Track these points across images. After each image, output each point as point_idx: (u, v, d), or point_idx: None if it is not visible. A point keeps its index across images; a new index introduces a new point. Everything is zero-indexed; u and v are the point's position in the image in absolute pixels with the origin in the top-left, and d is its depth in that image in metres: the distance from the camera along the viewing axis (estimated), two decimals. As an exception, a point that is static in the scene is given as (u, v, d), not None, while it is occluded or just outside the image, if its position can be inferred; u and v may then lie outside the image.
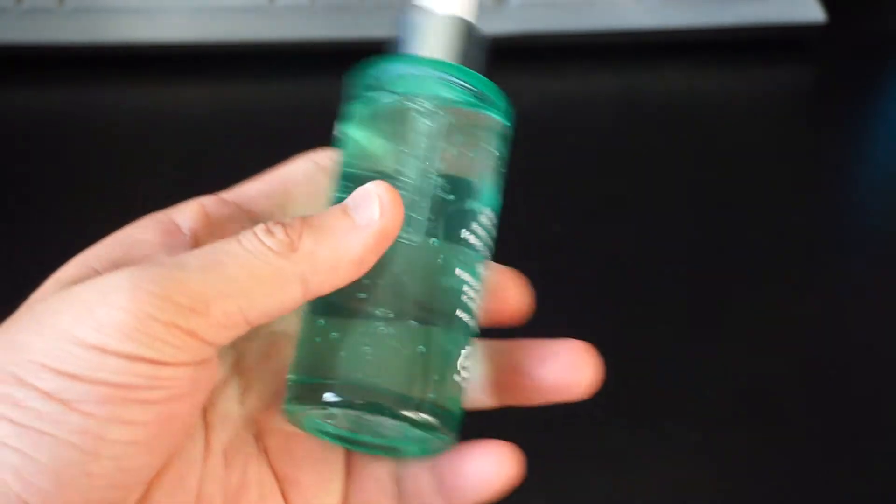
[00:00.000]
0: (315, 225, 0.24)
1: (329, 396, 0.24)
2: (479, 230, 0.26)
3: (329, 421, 0.26)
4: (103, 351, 0.21)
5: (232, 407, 0.27)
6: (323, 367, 0.25)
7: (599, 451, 0.42)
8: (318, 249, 0.24)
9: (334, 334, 0.25)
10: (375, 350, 0.25)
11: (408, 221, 0.25)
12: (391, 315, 0.25)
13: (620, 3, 0.58)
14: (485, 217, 0.27)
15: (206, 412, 0.27)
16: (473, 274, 0.26)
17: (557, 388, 0.27)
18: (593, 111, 0.56)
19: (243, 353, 0.28)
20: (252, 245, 0.23)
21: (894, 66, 0.62)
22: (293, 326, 0.28)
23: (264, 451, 0.28)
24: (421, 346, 0.25)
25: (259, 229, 0.24)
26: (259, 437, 0.28)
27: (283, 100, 0.55)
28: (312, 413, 0.26)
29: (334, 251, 0.24)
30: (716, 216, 0.51)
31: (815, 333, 0.47)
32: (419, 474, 0.27)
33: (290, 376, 0.26)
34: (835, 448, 0.43)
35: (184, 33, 0.55)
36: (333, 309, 0.26)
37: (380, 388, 0.24)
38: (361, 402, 0.24)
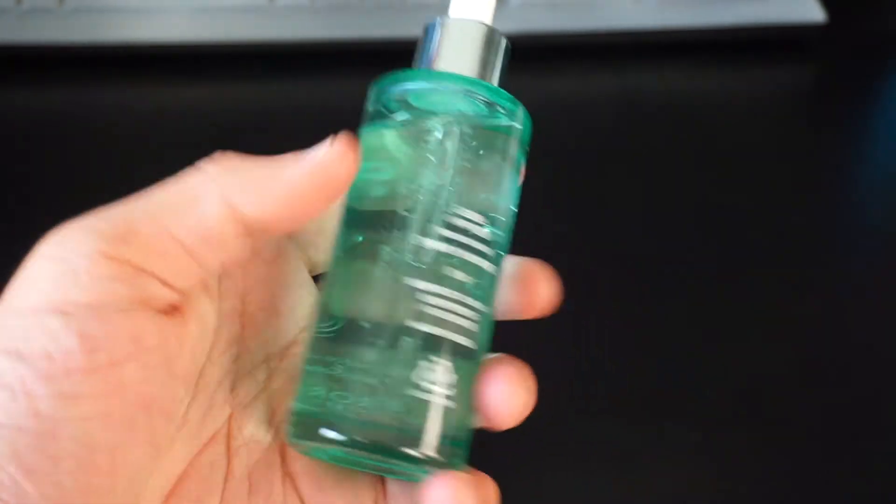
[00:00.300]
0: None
1: (326, 433, 0.24)
2: (458, 236, 0.25)
3: (336, 448, 0.25)
4: (38, 311, 0.21)
5: (258, 430, 0.27)
6: (316, 400, 0.24)
7: (599, 451, 0.42)
8: (248, 167, 0.23)
9: (322, 363, 0.25)
10: (357, 380, 0.24)
11: (415, 248, 0.25)
12: (371, 340, 0.24)
13: (620, 3, 0.58)
14: (466, 221, 0.25)
15: (229, 435, 0.26)
16: (441, 282, 0.25)
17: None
18: (593, 111, 0.56)
19: (274, 372, 0.28)
20: (185, 172, 0.23)
21: (894, 66, 0.62)
22: None
23: (290, 476, 0.27)
24: (390, 372, 0.24)
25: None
26: (286, 460, 0.27)
27: (283, 100, 0.55)
28: (315, 446, 0.25)
29: (265, 170, 0.23)
30: (716, 216, 0.51)
31: (815, 333, 0.47)
32: None
33: (291, 406, 0.25)
34: (835, 448, 0.43)
35: (184, 33, 0.55)
36: (320, 334, 0.25)
37: (368, 425, 0.24)
38: (362, 440, 0.24)
